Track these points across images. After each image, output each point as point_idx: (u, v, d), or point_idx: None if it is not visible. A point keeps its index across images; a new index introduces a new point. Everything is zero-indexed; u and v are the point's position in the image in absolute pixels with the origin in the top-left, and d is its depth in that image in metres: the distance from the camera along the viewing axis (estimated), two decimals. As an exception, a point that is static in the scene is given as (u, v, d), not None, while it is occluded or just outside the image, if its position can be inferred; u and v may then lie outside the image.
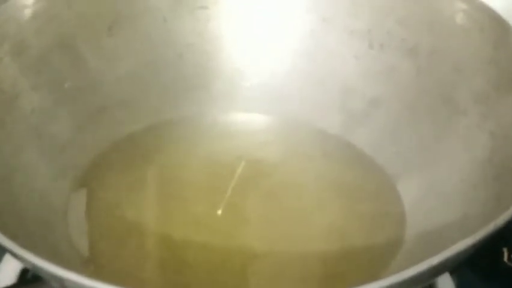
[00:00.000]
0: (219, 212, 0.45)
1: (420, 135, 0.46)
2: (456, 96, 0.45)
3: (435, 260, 0.30)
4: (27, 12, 0.45)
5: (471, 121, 0.44)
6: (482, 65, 0.44)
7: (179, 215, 0.45)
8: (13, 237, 0.32)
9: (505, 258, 0.45)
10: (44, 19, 0.46)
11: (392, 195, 0.45)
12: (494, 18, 0.44)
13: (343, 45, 0.49)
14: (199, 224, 0.44)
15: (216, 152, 0.49)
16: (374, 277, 0.30)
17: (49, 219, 0.42)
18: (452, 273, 0.44)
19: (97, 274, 0.30)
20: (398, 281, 0.29)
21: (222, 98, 0.51)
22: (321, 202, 0.46)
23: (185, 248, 0.43)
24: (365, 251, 0.43)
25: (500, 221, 0.32)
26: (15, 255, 0.32)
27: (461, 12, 0.45)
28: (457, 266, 0.33)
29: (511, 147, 0.40)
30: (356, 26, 0.49)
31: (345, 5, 0.49)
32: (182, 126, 0.50)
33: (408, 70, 0.47)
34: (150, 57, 0.50)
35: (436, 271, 0.31)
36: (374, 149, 0.48)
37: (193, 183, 0.47)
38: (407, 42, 0.47)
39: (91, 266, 0.40)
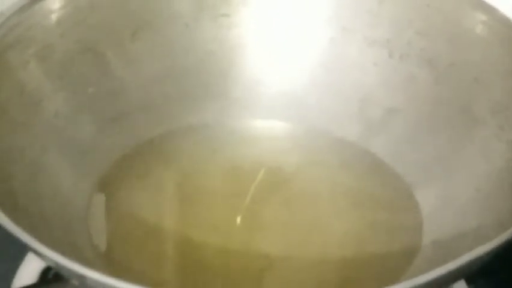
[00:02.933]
0: (237, 217, 0.45)
1: (438, 144, 0.46)
2: (474, 106, 0.45)
3: (452, 266, 0.30)
4: (53, 17, 0.46)
5: (489, 131, 0.44)
6: (501, 76, 0.44)
7: (198, 219, 0.45)
8: (37, 236, 0.32)
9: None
10: (69, 24, 0.46)
11: (409, 203, 0.45)
12: (514, 30, 0.44)
13: (363, 55, 0.49)
14: (217, 229, 0.44)
15: (235, 159, 0.49)
16: (390, 284, 0.30)
17: (71, 220, 0.42)
18: (469, 282, 0.44)
19: (115, 275, 0.31)
20: (415, 285, 0.30)
21: (241, 105, 0.51)
22: (339, 210, 0.46)
23: (203, 252, 0.43)
24: (381, 258, 0.43)
25: (516, 229, 0.33)
26: (39, 254, 0.32)
27: (481, 24, 0.46)
28: (473, 273, 0.34)
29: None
30: (375, 35, 0.49)
31: (365, 15, 0.49)
32: (202, 132, 0.50)
33: (427, 80, 0.48)
34: (172, 63, 0.50)
35: (452, 277, 0.32)
36: (392, 157, 0.48)
37: (212, 188, 0.47)
38: (427, 52, 0.48)
39: (110, 267, 0.41)
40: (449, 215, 0.43)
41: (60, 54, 0.46)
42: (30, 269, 0.44)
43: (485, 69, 0.45)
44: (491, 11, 0.45)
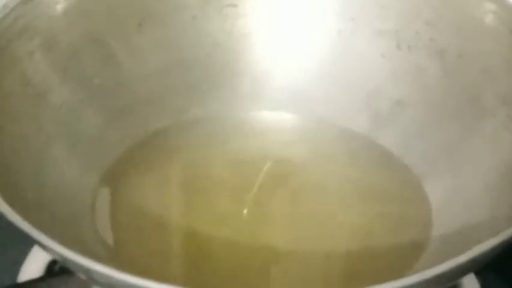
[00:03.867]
0: (244, 210, 0.45)
1: (447, 136, 0.46)
2: (483, 97, 0.45)
3: (462, 259, 0.30)
4: (59, 8, 0.46)
5: (498, 123, 0.43)
6: (511, 66, 0.44)
7: (204, 212, 0.45)
8: (42, 229, 0.32)
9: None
10: (74, 15, 0.46)
11: (418, 196, 0.45)
12: (523, 20, 0.44)
13: (371, 46, 0.49)
14: (223, 221, 0.44)
15: (241, 151, 0.49)
16: (398, 278, 0.30)
17: (76, 213, 0.42)
18: (477, 275, 0.44)
19: (122, 268, 0.31)
20: (424, 278, 0.29)
21: (248, 97, 0.51)
22: (346, 202, 0.46)
23: (209, 245, 0.43)
24: (389, 251, 0.43)
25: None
26: (44, 247, 0.32)
27: (490, 14, 0.45)
28: (483, 267, 0.33)
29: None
30: (384, 26, 0.49)
31: (373, 5, 0.49)
32: (209, 124, 0.50)
33: (436, 71, 0.47)
34: (178, 54, 0.50)
35: (462, 271, 0.31)
36: (401, 149, 0.47)
37: (218, 181, 0.47)
38: (435, 43, 0.47)
39: (116, 260, 0.41)
40: (459, 207, 0.43)
41: (66, 45, 0.46)
42: (36, 262, 0.44)
43: (494, 60, 0.45)
44: (500, 0, 0.45)
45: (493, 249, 0.32)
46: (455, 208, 0.43)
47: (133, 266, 0.41)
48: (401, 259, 0.42)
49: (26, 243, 0.44)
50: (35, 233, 0.32)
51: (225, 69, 0.51)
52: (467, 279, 0.43)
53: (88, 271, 0.31)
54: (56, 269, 0.44)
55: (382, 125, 0.49)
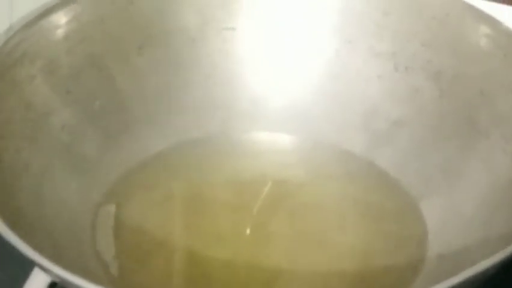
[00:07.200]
0: (244, 230, 0.45)
1: (443, 156, 0.46)
2: (479, 119, 0.45)
3: (456, 280, 0.30)
4: (60, 33, 0.46)
5: (493, 143, 0.44)
6: (506, 89, 0.44)
7: (204, 232, 0.45)
8: (42, 251, 0.32)
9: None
10: (75, 39, 0.47)
11: (415, 216, 0.45)
12: (518, 44, 0.44)
13: (368, 67, 0.50)
14: (224, 242, 0.44)
15: (240, 172, 0.49)
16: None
17: (77, 234, 0.42)
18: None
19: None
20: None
21: (247, 118, 0.51)
22: (345, 222, 0.46)
23: (210, 265, 0.43)
24: (387, 271, 0.43)
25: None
26: (44, 269, 0.33)
27: (485, 37, 0.46)
28: (479, 287, 0.34)
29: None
30: (381, 48, 0.49)
31: (370, 27, 0.49)
32: (209, 145, 0.50)
33: (432, 92, 0.48)
34: (178, 76, 0.50)
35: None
36: (398, 169, 0.48)
37: (218, 201, 0.47)
38: (432, 65, 0.48)
39: (117, 281, 0.41)
40: (455, 227, 0.43)
41: (67, 68, 0.46)
42: (37, 283, 0.44)
43: (489, 82, 0.45)
44: (495, 24, 0.45)
45: (488, 270, 0.32)
46: (451, 228, 0.43)
47: (133, 287, 0.41)
48: (399, 279, 0.42)
49: (28, 263, 0.44)
50: (35, 255, 0.32)
51: (223, 91, 0.51)
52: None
53: (88, 293, 0.31)
54: (57, 290, 0.44)
55: (380, 146, 0.49)
